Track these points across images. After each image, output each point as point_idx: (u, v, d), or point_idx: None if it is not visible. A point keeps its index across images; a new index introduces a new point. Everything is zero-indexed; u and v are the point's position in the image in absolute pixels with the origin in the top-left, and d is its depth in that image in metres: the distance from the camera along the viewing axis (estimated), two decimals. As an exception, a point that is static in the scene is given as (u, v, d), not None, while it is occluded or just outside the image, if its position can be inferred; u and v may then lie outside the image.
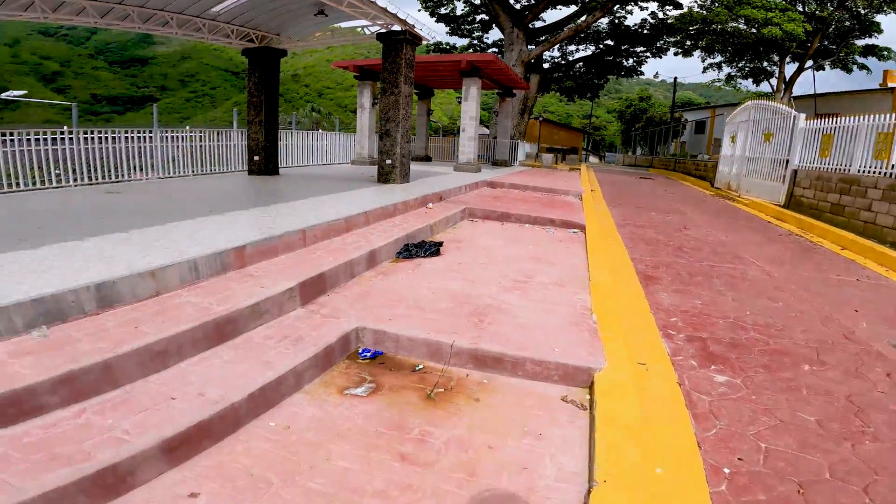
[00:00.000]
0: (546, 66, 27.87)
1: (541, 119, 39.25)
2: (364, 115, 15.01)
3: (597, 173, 21.77)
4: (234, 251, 4.09)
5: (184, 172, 10.26)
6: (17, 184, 7.22)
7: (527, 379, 3.06)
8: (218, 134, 11.13)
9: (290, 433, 2.43)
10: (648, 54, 26.44)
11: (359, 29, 10.26)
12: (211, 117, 60.42)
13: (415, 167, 12.33)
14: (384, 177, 9.81)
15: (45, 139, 7.95)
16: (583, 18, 23.83)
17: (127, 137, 9.07)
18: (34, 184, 7.54)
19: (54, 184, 7.91)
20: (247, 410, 2.46)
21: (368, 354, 3.30)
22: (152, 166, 9.69)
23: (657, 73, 77.85)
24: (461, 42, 34.28)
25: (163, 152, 9.82)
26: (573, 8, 24.85)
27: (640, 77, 30.45)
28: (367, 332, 3.43)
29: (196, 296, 3.40)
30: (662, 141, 32.73)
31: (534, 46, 24.99)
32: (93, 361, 2.41)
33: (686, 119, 35.72)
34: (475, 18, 27.12)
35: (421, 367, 3.17)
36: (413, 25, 9.61)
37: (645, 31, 25.44)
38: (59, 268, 3.28)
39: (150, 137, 9.63)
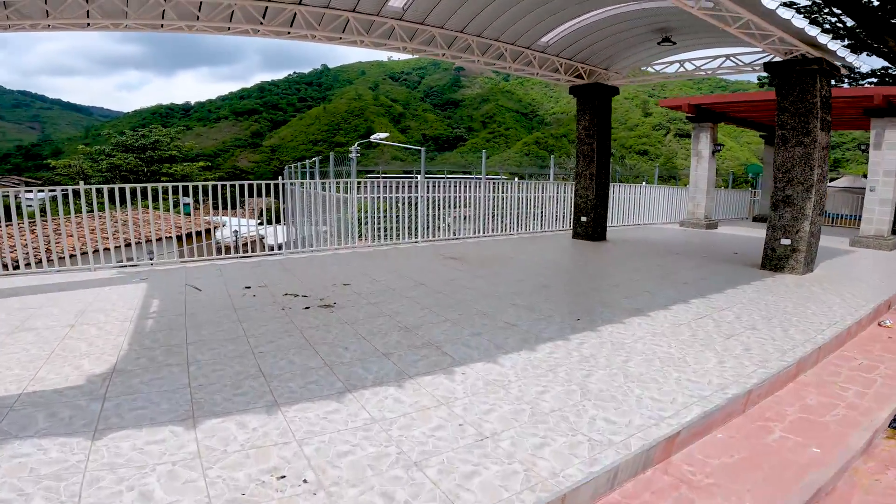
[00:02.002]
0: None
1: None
2: (701, 165, 12.07)
3: None
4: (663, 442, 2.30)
5: (497, 231, 9.68)
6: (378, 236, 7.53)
7: None
8: (535, 186, 10.28)
9: None
10: None
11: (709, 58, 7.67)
12: (505, 157, 66.16)
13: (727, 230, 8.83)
14: (774, 262, 6.87)
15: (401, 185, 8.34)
16: None
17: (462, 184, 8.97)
18: (381, 237, 7.86)
19: (394, 239, 8.17)
20: None
21: None
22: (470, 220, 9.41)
23: None
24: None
25: (484, 205, 9.42)
26: None
27: None
28: None
29: None
30: None
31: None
32: None
33: None
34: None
35: None
36: (834, 51, 6.47)
37: None
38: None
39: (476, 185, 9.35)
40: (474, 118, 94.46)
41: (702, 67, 8.13)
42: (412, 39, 6.95)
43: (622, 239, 9.55)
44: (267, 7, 5.95)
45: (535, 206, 9.96)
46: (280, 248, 17.29)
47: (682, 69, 8.41)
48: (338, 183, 8.38)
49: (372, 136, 11.72)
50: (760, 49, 7.00)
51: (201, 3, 5.72)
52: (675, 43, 7.61)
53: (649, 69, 9.16)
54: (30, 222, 7.84)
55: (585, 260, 7.34)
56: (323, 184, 8.47)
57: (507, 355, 3.52)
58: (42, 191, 6.27)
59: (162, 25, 5.87)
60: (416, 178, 9.16)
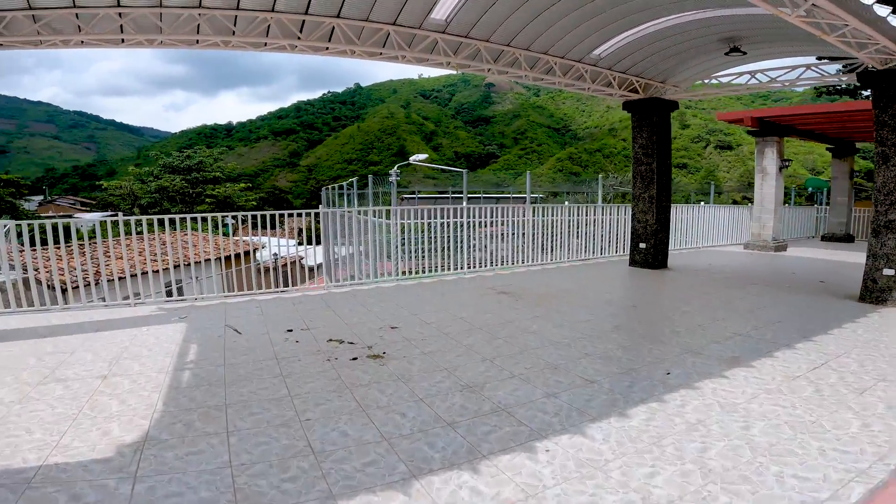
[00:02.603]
0: None
1: None
2: (767, 182, 11.12)
3: None
4: None
5: (545, 258, 9.04)
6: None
7: None
8: (585, 210, 9.63)
9: None
10: None
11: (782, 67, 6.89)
12: (538, 173, 65.30)
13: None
14: (876, 294, 6.01)
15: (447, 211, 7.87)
16: None
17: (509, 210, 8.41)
18: (426, 268, 7.40)
19: (438, 270, 7.69)
20: None
21: None
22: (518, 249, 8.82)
23: None
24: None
25: (531, 230, 8.83)
26: None
27: None
28: None
29: None
30: None
31: None
32: None
33: None
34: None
35: None
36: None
37: None
38: None
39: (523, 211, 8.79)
40: (506, 134, 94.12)
41: (778, 79, 7.39)
42: (456, 53, 6.56)
43: (685, 266, 8.75)
44: (304, 21, 5.68)
45: (585, 231, 9.29)
46: (318, 269, 17.28)
47: (752, 80, 7.67)
48: (376, 210, 8.02)
49: (411, 158, 11.43)
50: (853, 57, 6.25)
51: (236, 17, 5.50)
52: (745, 53, 6.93)
53: (711, 81, 8.46)
54: (79, 244, 7.88)
55: (652, 293, 6.63)
56: (361, 210, 8.11)
57: (596, 424, 2.93)
58: (82, 221, 6.16)
59: (197, 41, 5.68)
60: (460, 202, 8.72)
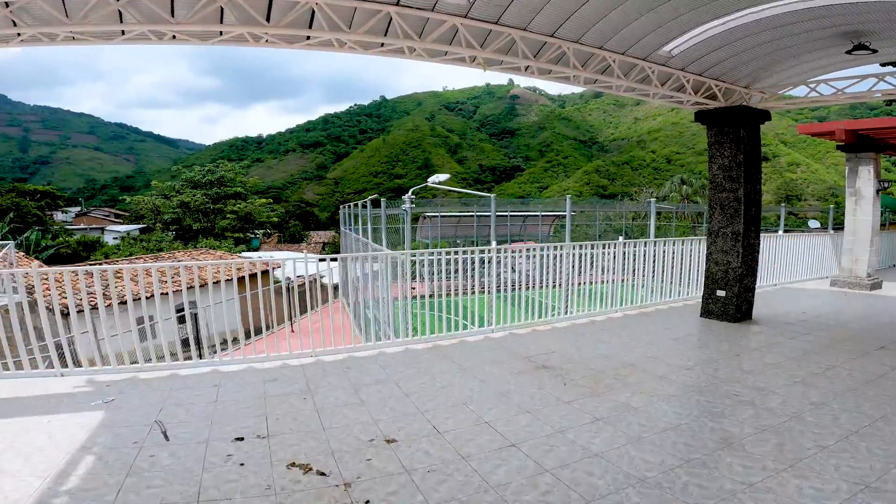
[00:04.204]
0: None
1: None
2: (861, 208, 9.10)
3: None
4: None
5: (591, 304, 7.30)
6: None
7: None
8: (637, 246, 7.85)
9: None
10: None
11: None
12: (564, 187, 63.14)
13: None
14: None
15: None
16: None
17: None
18: (442, 324, 5.79)
19: (458, 327, 6.05)
20: None
21: None
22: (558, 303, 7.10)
23: None
24: None
25: (580, 265, 7.10)
26: None
27: None
28: None
29: None
30: None
31: None
32: None
33: None
34: None
35: None
36: None
37: None
38: None
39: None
40: (531, 147, 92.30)
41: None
42: (483, 46, 5.01)
43: (773, 316, 6.85)
44: (271, 3, 4.25)
45: (639, 265, 7.50)
46: (336, 290, 15.98)
47: (885, 85, 5.84)
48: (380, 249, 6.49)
49: (429, 180, 9.94)
50: None
51: (271, 1, 4.16)
52: (875, 51, 5.17)
53: (814, 89, 6.62)
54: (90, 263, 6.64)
55: (752, 368, 4.82)
56: (369, 244, 6.59)
57: None
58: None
59: (221, 33, 4.33)
60: (485, 221, 7.14)
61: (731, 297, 6.34)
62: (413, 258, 6.52)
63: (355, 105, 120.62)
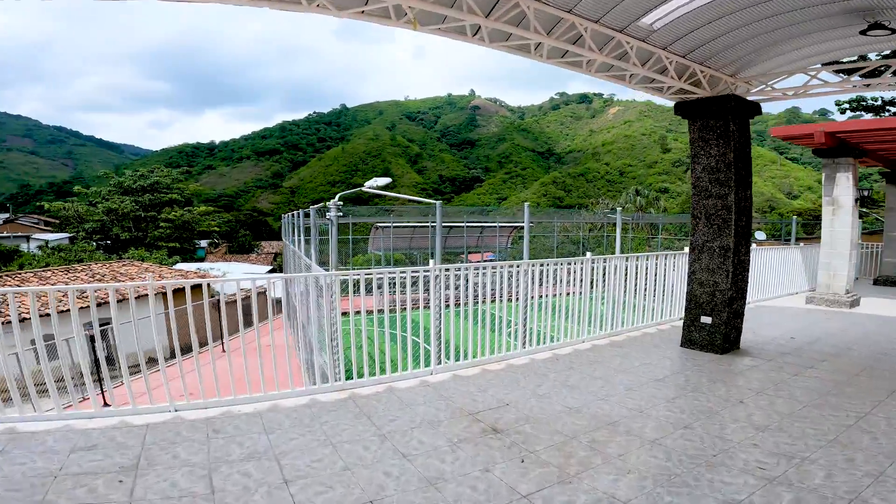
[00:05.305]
0: None
1: None
2: (840, 218, 8.42)
3: None
4: None
5: (550, 336, 6.09)
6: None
7: None
8: (603, 265, 6.70)
9: None
10: None
11: None
12: (523, 198, 63.25)
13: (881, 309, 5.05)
14: None
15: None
16: None
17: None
18: (371, 367, 4.39)
19: (385, 371, 4.66)
20: None
21: None
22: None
23: None
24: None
25: (541, 284, 5.88)
26: None
27: None
28: None
29: None
30: None
31: None
32: None
33: None
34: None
35: None
36: None
37: None
38: None
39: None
40: (490, 158, 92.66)
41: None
42: None
43: (761, 344, 5.86)
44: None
45: (608, 286, 6.37)
46: (279, 304, 14.23)
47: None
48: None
49: (367, 184, 8.52)
50: None
51: None
52: (893, 31, 4.29)
53: (815, 76, 5.74)
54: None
55: (769, 418, 3.71)
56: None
57: None
58: None
59: None
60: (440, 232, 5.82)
61: (718, 324, 5.28)
62: (343, 278, 5.10)
63: (315, 113, 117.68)
